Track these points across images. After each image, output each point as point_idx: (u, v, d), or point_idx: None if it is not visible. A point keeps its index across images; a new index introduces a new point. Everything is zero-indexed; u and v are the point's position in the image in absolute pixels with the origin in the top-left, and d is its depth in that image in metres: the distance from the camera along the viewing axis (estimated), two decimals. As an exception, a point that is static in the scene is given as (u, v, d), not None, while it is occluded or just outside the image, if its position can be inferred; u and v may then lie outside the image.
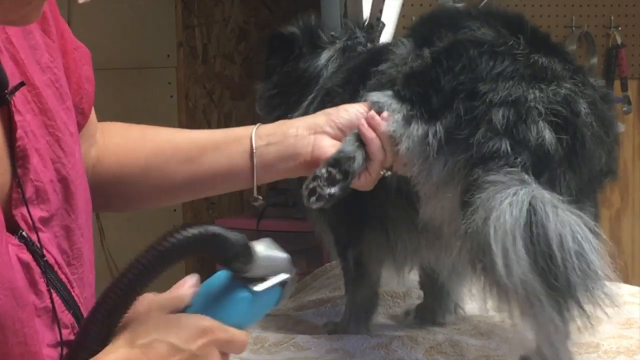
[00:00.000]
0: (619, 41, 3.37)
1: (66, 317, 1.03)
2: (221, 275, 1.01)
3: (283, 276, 1.02)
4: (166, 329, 0.96)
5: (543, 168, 1.21)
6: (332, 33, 1.68)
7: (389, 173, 1.30)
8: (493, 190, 1.18)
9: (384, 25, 1.59)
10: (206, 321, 0.98)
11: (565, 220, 1.15)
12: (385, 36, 1.91)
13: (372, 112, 1.28)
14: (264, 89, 1.71)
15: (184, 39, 3.70)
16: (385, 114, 1.28)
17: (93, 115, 1.25)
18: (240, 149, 1.30)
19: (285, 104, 1.63)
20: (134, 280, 0.93)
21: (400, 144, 1.26)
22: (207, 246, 0.95)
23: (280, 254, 1.02)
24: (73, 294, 1.05)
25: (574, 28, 3.31)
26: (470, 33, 1.31)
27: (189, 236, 0.93)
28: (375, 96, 1.31)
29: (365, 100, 1.32)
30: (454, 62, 1.27)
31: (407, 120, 1.27)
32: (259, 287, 1.01)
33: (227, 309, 1.00)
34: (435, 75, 1.27)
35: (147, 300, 0.99)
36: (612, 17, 3.37)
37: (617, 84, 3.37)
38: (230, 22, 3.87)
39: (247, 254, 0.98)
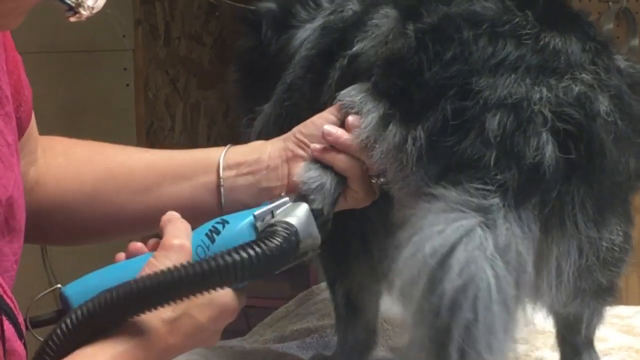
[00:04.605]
0: (663, 19, 3.38)
1: (19, 347, 1.03)
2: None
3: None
4: (198, 305, 1.04)
5: (533, 190, 1.18)
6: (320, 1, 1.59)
7: (383, 179, 1.28)
8: (430, 209, 1.16)
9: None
10: (234, 301, 1.10)
11: (473, 276, 1.11)
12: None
13: (327, 128, 1.28)
14: (233, 76, 1.70)
15: (143, 16, 3.69)
16: (351, 118, 1.27)
17: (33, 128, 1.23)
18: (206, 179, 1.31)
19: (256, 95, 1.60)
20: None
21: (374, 150, 1.25)
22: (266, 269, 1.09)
23: (300, 210, 1.18)
24: (19, 321, 1.05)
25: (610, 3, 3.31)
26: (467, 6, 1.27)
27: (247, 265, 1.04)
28: (348, 94, 1.29)
29: (338, 101, 1.29)
30: (442, 47, 1.22)
31: (384, 122, 1.24)
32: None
33: None
34: (418, 65, 1.23)
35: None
36: (656, -9, 3.39)
37: (661, 70, 3.37)
38: (198, -4, 3.88)
39: (297, 247, 1.14)
